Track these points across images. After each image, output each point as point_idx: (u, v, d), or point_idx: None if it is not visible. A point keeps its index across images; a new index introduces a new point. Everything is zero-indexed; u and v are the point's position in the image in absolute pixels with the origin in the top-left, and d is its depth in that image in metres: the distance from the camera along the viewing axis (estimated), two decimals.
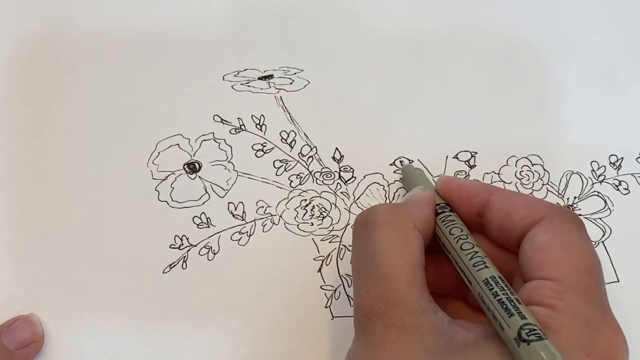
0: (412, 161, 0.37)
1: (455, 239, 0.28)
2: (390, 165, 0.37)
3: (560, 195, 0.36)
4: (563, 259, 0.25)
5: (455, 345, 0.24)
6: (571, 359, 0.23)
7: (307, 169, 0.37)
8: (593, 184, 0.37)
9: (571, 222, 0.26)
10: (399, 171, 0.36)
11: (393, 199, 0.36)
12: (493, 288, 0.25)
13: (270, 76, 0.39)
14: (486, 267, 0.26)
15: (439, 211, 0.30)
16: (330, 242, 0.35)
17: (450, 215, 0.29)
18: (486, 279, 0.25)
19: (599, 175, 0.37)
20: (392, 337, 0.24)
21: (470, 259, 0.27)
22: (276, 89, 0.38)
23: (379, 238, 0.27)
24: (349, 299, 0.34)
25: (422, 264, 0.27)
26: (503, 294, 0.24)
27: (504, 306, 0.24)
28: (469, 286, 0.27)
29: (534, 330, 0.23)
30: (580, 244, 0.26)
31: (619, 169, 0.37)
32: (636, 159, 0.38)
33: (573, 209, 0.36)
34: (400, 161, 0.37)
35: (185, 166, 0.37)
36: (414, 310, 0.25)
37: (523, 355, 0.22)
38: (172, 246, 0.35)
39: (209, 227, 0.36)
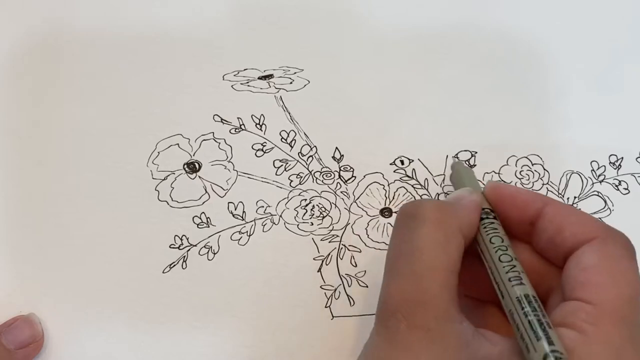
0: (412, 161, 0.37)
1: (494, 249, 0.27)
2: (390, 164, 0.37)
3: (560, 195, 0.36)
4: (607, 284, 0.24)
5: (478, 358, 0.24)
6: None
7: (307, 169, 0.37)
8: (593, 183, 0.37)
9: (623, 248, 0.26)
10: (449, 167, 0.36)
11: (393, 198, 0.36)
12: (525, 307, 0.24)
13: (270, 76, 0.39)
14: (521, 283, 0.25)
15: (483, 216, 0.28)
16: (330, 242, 0.35)
17: (493, 222, 0.28)
18: (519, 296, 0.25)
19: (599, 175, 0.37)
20: (415, 339, 0.24)
21: (507, 272, 0.26)
22: (276, 88, 0.38)
23: (422, 235, 0.26)
24: (348, 299, 0.34)
25: (458, 270, 0.26)
26: (534, 314, 0.24)
27: (533, 328, 0.23)
28: (500, 299, 0.26)
29: (560, 358, 0.22)
30: (628, 272, 0.25)
31: (619, 168, 0.37)
32: (636, 159, 0.38)
33: None
34: (453, 156, 0.36)
35: (185, 166, 0.37)
36: (441, 316, 0.24)
37: None
38: (172, 246, 0.35)
39: (208, 227, 0.36)
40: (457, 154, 0.37)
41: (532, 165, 0.37)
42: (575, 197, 0.36)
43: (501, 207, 0.29)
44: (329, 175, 0.37)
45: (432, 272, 0.25)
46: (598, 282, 0.24)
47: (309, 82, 0.39)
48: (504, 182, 0.36)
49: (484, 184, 0.34)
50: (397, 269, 0.26)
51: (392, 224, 0.35)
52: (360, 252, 0.35)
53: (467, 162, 0.37)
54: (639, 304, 0.24)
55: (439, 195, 0.36)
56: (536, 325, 0.23)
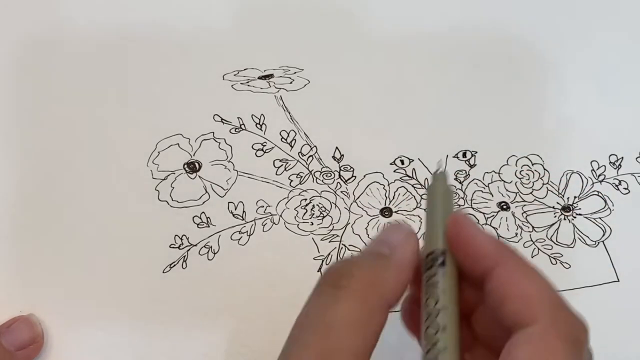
0: (412, 160, 0.37)
1: (426, 315, 0.23)
2: (391, 164, 0.37)
3: (560, 195, 0.36)
4: None
5: None
6: None
7: (307, 169, 0.37)
8: (593, 183, 0.37)
9: (564, 339, 0.22)
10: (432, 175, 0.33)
11: (393, 198, 0.36)
12: None
13: (270, 75, 0.39)
14: None
15: (427, 265, 0.24)
16: (330, 242, 0.35)
17: (435, 275, 0.24)
18: None
19: (599, 175, 0.37)
20: None
21: (427, 351, 0.23)
22: (276, 88, 0.38)
23: (340, 311, 0.23)
24: None
25: (373, 348, 0.23)
26: None
27: None
28: None
29: None
30: None
31: (619, 168, 0.37)
32: (636, 158, 0.38)
33: (573, 209, 0.36)
34: (438, 164, 0.35)
35: (185, 166, 0.37)
36: None
37: None
38: (172, 246, 0.35)
39: (209, 226, 0.35)
40: (456, 154, 0.37)
41: (532, 165, 0.37)
42: (575, 197, 0.36)
43: (456, 249, 0.25)
44: (329, 175, 0.37)
45: (344, 353, 0.22)
46: None
47: (309, 82, 0.39)
48: (504, 182, 0.36)
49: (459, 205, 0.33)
50: (304, 341, 0.23)
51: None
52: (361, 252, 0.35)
53: (467, 162, 0.37)
54: None
55: None
56: None
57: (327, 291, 0.24)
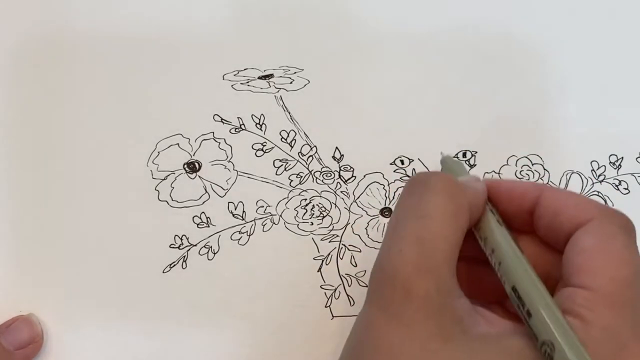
0: (412, 160, 0.37)
1: (502, 239, 0.27)
2: (391, 164, 0.37)
3: None
4: (601, 267, 0.24)
5: (473, 334, 0.23)
6: None
7: (307, 169, 0.37)
8: (593, 183, 0.37)
9: (620, 227, 0.25)
10: (439, 162, 0.34)
11: (393, 198, 0.36)
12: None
13: (270, 75, 0.39)
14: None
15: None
16: (330, 242, 0.35)
17: (494, 215, 0.28)
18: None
19: (599, 175, 0.37)
20: (412, 307, 0.23)
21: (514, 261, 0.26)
22: (276, 88, 0.38)
23: (433, 202, 0.25)
24: (348, 299, 0.34)
25: (460, 244, 0.26)
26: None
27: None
28: (508, 289, 0.25)
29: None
30: (624, 251, 0.24)
31: (619, 168, 0.37)
32: (636, 158, 0.38)
33: None
34: (441, 152, 0.35)
35: (185, 166, 0.37)
36: (440, 287, 0.24)
37: None
38: (172, 246, 0.35)
39: (209, 226, 0.35)
40: (456, 154, 0.37)
41: (532, 165, 0.37)
42: None
43: (499, 202, 0.29)
44: (329, 175, 0.37)
45: (440, 240, 0.24)
46: (593, 265, 0.24)
47: (309, 82, 0.39)
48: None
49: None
50: (402, 234, 0.25)
51: None
52: (361, 252, 0.35)
53: (467, 162, 0.37)
54: (636, 284, 0.24)
55: None
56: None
57: (419, 188, 0.26)
